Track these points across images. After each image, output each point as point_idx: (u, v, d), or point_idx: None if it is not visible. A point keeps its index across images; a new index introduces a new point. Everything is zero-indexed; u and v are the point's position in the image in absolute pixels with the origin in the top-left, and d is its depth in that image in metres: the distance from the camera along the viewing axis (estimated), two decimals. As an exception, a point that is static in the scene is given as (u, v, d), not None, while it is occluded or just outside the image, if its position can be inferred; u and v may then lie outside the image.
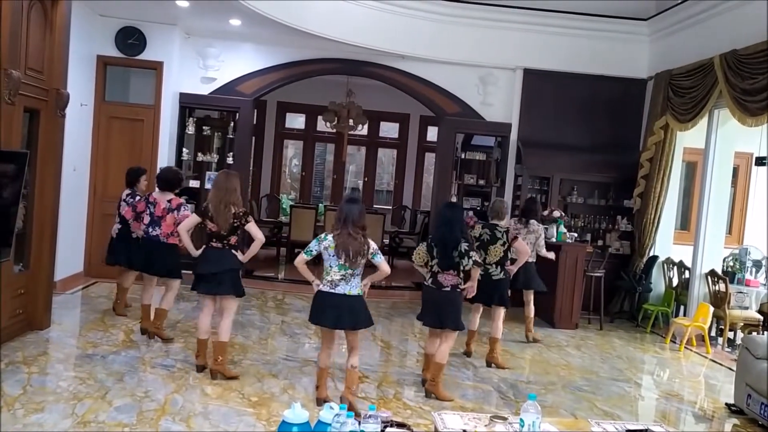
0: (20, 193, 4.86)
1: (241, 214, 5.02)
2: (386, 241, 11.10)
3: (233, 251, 5.10)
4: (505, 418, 3.34)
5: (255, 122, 11.04)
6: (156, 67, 8.24)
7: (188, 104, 8.89)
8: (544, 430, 3.08)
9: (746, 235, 9.14)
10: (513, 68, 9.19)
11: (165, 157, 8.32)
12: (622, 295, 8.68)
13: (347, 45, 8.37)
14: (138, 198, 6.27)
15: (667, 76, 8.20)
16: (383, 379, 5.45)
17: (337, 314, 4.50)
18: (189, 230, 5.21)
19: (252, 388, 4.90)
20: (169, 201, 5.83)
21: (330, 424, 2.76)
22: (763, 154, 7.54)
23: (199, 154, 9.25)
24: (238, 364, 5.42)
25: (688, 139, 8.30)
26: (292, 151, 14.75)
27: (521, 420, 3.00)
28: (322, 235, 4.60)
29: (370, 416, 2.84)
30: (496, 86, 9.21)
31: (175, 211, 5.79)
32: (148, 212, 5.85)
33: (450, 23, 8.88)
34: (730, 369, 6.34)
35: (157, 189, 5.92)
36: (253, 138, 10.81)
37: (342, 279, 4.51)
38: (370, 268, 4.65)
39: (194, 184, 9.06)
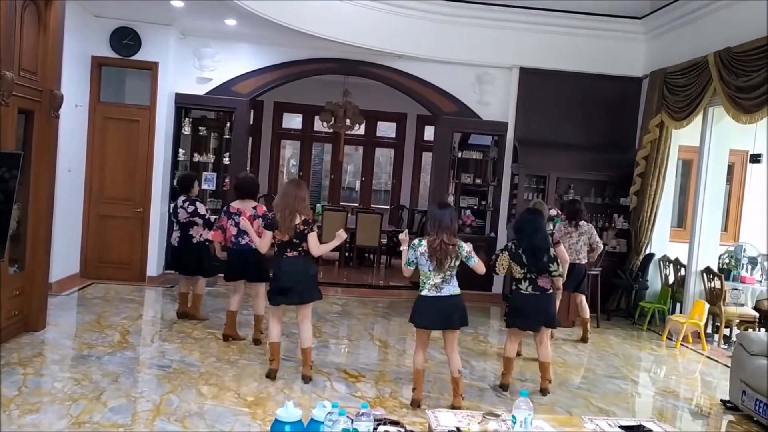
0: (14, 194, 4.86)
1: (310, 221, 5.01)
2: (384, 240, 11.08)
3: (309, 257, 5.07)
4: (498, 415, 3.35)
5: (252, 122, 11.03)
6: (151, 68, 8.24)
7: (184, 104, 8.88)
8: (536, 427, 3.09)
9: (742, 232, 9.14)
10: (509, 67, 9.20)
11: (161, 158, 8.31)
12: (619, 293, 8.70)
13: (343, 45, 8.37)
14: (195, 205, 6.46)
15: (662, 74, 8.21)
16: (380, 377, 5.45)
17: (445, 315, 4.64)
18: (268, 247, 5.15)
19: (248, 388, 4.90)
20: (254, 208, 5.95)
21: (323, 423, 2.77)
22: (758, 151, 7.54)
23: (195, 154, 9.25)
24: (234, 364, 5.43)
25: (684, 137, 8.31)
26: (290, 151, 14.76)
27: (513, 416, 3.01)
28: (416, 242, 4.70)
29: (362, 414, 2.84)
30: (492, 85, 9.21)
31: (260, 219, 5.83)
32: (233, 223, 5.92)
33: (446, 22, 8.88)
34: (726, 366, 6.34)
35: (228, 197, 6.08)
36: (250, 138, 10.80)
37: (444, 281, 4.63)
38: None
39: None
